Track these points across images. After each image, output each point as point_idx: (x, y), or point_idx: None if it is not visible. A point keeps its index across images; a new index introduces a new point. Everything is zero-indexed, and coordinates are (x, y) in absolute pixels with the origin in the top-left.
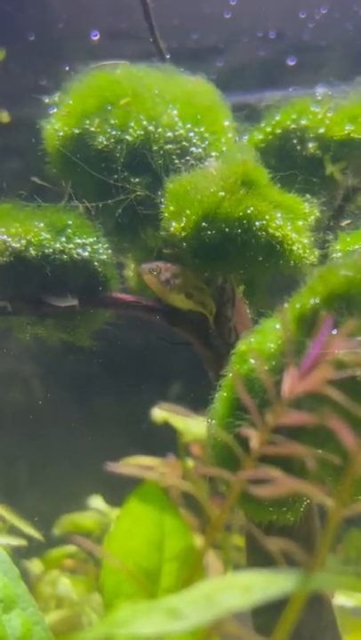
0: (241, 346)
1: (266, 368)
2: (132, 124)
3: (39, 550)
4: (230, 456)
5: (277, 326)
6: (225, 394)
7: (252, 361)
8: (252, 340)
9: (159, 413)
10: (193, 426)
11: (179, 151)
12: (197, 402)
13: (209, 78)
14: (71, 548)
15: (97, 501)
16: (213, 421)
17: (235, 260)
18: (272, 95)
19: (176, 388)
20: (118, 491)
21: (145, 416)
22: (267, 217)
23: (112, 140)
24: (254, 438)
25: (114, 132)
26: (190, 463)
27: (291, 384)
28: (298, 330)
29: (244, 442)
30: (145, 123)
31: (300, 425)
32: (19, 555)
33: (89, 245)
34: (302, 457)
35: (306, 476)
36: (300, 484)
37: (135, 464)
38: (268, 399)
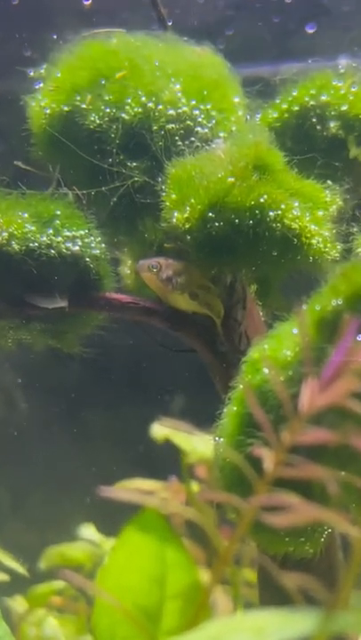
0: (253, 353)
1: (281, 378)
2: (129, 101)
3: (23, 586)
4: (241, 479)
5: (295, 331)
6: (235, 408)
7: (266, 370)
8: (266, 346)
9: (159, 430)
10: (198, 444)
11: (182, 131)
12: (203, 417)
13: (216, 48)
14: (59, 584)
15: (88, 530)
16: (221, 439)
17: (246, 255)
18: (288, 67)
19: (179, 402)
20: (113, 518)
21: (143, 433)
22: (282, 206)
23: (106, 119)
24: (268, 459)
25: (108, 110)
26: (195, 487)
27: (310, 397)
28: (318, 335)
29: (256, 463)
30: (144, 99)
31: (320, 444)
32: None
33: (80, 239)
34: (323, 480)
35: (327, 503)
36: (321, 511)
37: (133, 488)
38: (283, 414)
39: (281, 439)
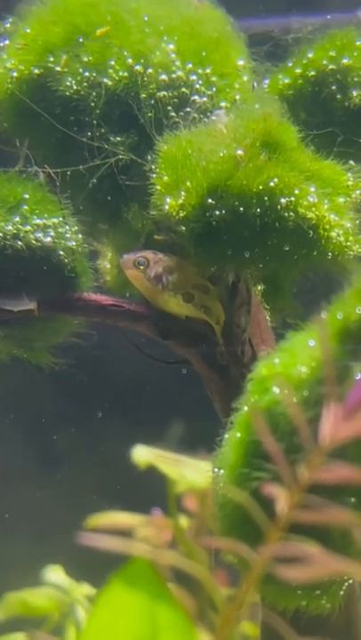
0: (261, 368)
1: (295, 400)
2: (113, 63)
3: None
4: (245, 520)
5: (311, 343)
6: (238, 434)
7: (276, 390)
8: (277, 360)
9: (142, 454)
10: (187, 471)
11: (176, 100)
12: (199, 443)
13: (217, 1)
14: (20, 638)
15: (55, 573)
16: (221, 472)
17: (251, 250)
18: (303, 23)
19: (169, 424)
20: (85, 559)
21: (124, 460)
22: (296, 192)
23: (85, 84)
24: (281, 499)
25: (87, 74)
26: (184, 522)
27: (331, 424)
28: (340, 349)
29: (265, 502)
30: (130, 61)
31: (342, 481)
32: None
33: (52, 228)
34: (345, 525)
35: (349, 551)
36: (342, 561)
37: (111, 523)
38: (298, 444)
39: (297, 474)
